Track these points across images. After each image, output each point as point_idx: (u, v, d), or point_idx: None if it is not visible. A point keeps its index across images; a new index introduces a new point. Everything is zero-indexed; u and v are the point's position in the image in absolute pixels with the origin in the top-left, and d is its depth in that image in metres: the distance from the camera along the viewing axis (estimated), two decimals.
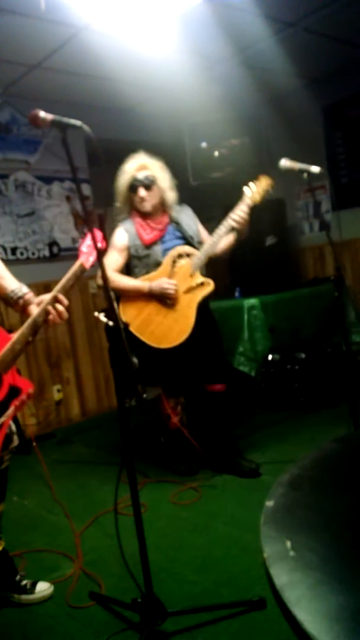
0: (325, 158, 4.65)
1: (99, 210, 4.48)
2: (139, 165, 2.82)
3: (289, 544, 0.93)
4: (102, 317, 1.71)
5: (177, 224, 2.93)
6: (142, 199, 2.82)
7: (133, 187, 2.80)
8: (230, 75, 4.17)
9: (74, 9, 2.92)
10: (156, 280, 2.81)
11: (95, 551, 2.34)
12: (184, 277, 2.83)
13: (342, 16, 3.49)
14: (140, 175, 2.78)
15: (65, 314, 1.76)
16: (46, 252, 4.39)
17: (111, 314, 1.64)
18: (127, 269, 2.95)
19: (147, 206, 2.84)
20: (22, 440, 3.82)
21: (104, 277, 1.58)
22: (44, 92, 4.11)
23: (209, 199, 4.93)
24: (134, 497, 1.68)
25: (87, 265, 1.85)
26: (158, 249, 2.89)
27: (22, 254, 4.24)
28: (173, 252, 2.85)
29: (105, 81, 4.06)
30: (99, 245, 1.65)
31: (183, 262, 2.85)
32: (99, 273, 1.62)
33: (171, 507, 2.68)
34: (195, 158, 4.85)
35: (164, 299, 2.79)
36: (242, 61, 4.01)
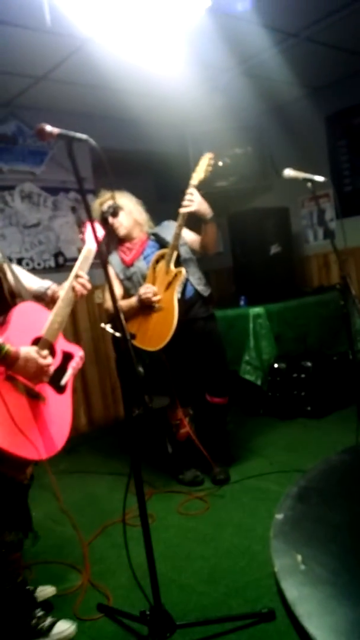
0: (329, 166, 4.66)
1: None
2: (101, 200, 2.98)
3: (299, 557, 0.92)
4: (109, 328, 1.73)
5: (155, 236, 3.06)
6: (115, 226, 2.99)
7: (104, 219, 2.92)
8: (233, 84, 4.19)
9: (78, 22, 2.95)
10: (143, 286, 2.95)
11: (103, 562, 2.34)
12: (162, 276, 2.93)
13: (345, 25, 3.51)
14: (105, 207, 2.90)
15: (89, 285, 2.01)
16: (52, 263, 4.41)
17: (118, 324, 1.66)
18: (128, 295, 3.06)
19: (122, 230, 3.02)
20: None
21: (107, 276, 1.62)
22: (50, 103, 4.15)
23: (213, 208, 4.94)
24: (142, 508, 1.68)
25: (94, 249, 2.09)
26: (142, 264, 3.04)
27: (27, 264, 4.26)
28: (152, 259, 2.99)
29: (109, 92, 4.10)
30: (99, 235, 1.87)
31: (160, 264, 2.97)
32: (106, 286, 1.66)
33: (178, 517, 2.68)
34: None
35: (151, 305, 2.89)
36: (245, 71, 4.03)
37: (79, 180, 1.67)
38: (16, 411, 1.64)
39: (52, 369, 1.78)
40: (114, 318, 1.68)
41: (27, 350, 1.68)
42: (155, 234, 3.07)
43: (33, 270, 4.28)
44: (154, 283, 2.94)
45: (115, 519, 2.67)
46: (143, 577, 1.80)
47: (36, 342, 1.78)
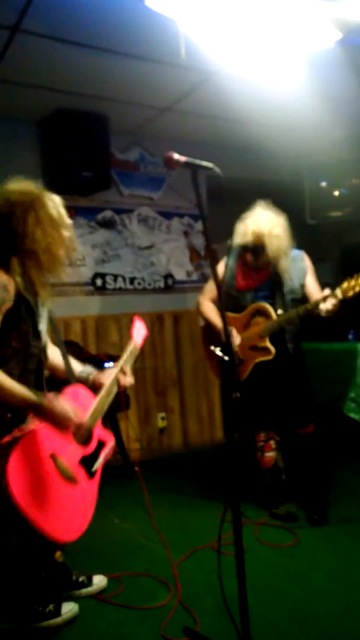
0: None
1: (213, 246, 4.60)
2: (255, 236, 2.81)
3: None
4: (218, 351, 1.75)
5: (278, 276, 2.89)
6: (251, 261, 2.91)
7: (245, 248, 2.89)
8: (357, 115, 4.13)
9: (207, 55, 3.07)
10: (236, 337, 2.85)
11: (191, 585, 2.32)
12: (254, 334, 2.85)
13: None
14: (251, 245, 2.84)
15: (129, 383, 2.13)
16: (161, 284, 4.56)
17: (227, 349, 1.68)
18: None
19: (255, 264, 2.91)
20: (126, 464, 3.94)
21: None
22: (171, 132, 4.34)
23: (325, 239, 4.86)
24: (237, 537, 1.66)
25: (138, 345, 2.24)
26: (249, 296, 2.95)
27: (139, 284, 4.44)
28: (254, 305, 2.90)
29: (230, 122, 4.20)
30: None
31: (260, 319, 2.87)
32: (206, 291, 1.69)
33: (269, 551, 2.60)
34: (313, 197, 4.82)
35: None
36: None
37: (201, 206, 1.71)
38: (51, 490, 1.73)
39: (84, 446, 1.91)
40: (224, 344, 1.69)
41: (62, 403, 1.78)
42: (278, 274, 2.87)
43: (144, 290, 4.45)
44: (243, 329, 2.88)
45: (205, 544, 2.65)
46: (232, 607, 1.76)
47: None
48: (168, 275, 4.61)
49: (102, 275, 4.31)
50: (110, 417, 3.70)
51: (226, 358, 1.69)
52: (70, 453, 1.86)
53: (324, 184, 4.82)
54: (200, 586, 2.29)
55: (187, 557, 2.57)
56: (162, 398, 4.54)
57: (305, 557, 2.51)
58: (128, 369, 2.15)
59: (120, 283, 4.36)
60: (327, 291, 2.63)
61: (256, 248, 2.83)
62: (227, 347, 1.66)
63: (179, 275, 4.65)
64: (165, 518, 3.08)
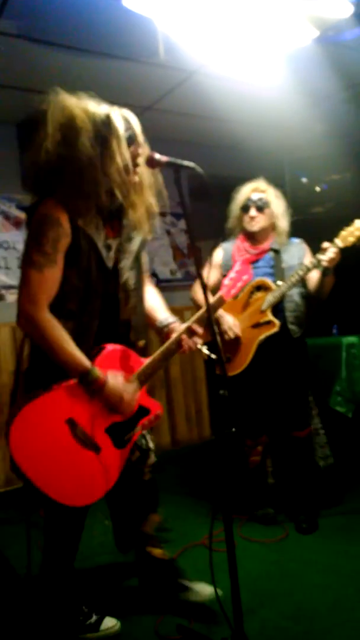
0: None
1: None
2: (255, 187, 2.85)
3: None
4: (205, 350, 1.75)
5: (276, 253, 2.85)
6: (252, 219, 2.81)
7: (246, 207, 2.82)
8: (336, 111, 4.17)
9: (187, 55, 3.08)
10: (226, 316, 2.79)
11: None
12: (255, 310, 2.76)
13: None
14: (254, 197, 2.81)
15: (197, 344, 1.85)
16: None
17: (214, 347, 1.67)
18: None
19: (255, 227, 2.81)
20: None
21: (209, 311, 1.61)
22: (152, 132, 4.30)
23: (308, 234, 4.87)
24: (228, 534, 1.66)
25: (227, 297, 1.99)
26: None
27: None
28: (253, 282, 2.78)
29: (211, 121, 4.21)
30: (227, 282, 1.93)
31: (260, 294, 2.79)
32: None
33: (260, 547, 2.62)
34: (295, 193, 4.85)
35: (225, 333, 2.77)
36: (349, 98, 3.99)
37: (184, 206, 1.72)
38: (60, 458, 1.66)
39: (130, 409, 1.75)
40: (210, 342, 1.69)
41: (115, 381, 1.70)
42: (277, 251, 2.85)
43: None
44: (243, 310, 2.80)
45: (195, 541, 2.66)
46: (224, 604, 1.77)
47: None
48: (152, 275, 4.60)
49: None
50: None
51: (213, 356, 1.67)
52: (95, 419, 1.73)
53: (304, 180, 4.84)
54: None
55: (179, 555, 2.58)
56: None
57: (297, 553, 2.53)
58: (197, 327, 1.84)
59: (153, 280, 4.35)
60: (326, 243, 2.60)
61: (260, 200, 2.80)
62: (214, 345, 1.65)
63: (163, 274, 4.65)
64: None
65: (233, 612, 1.66)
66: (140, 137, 1.82)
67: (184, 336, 1.83)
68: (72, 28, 2.80)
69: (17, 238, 4.06)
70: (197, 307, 2.89)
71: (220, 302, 2.00)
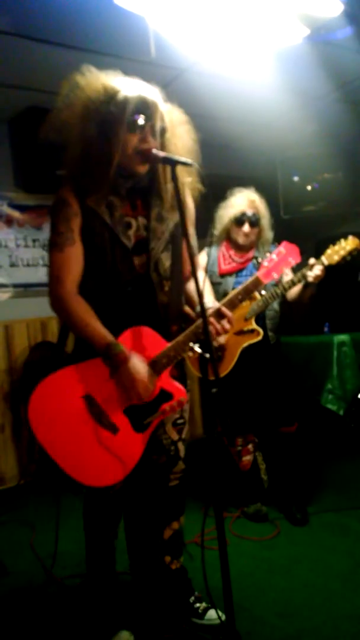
0: None
1: None
2: (250, 202, 2.88)
3: None
4: (197, 348, 1.74)
5: (258, 262, 2.91)
6: (246, 234, 2.87)
7: (240, 221, 2.86)
8: (327, 110, 4.17)
9: (177, 53, 3.07)
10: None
11: None
12: (239, 318, 2.79)
13: None
14: (249, 212, 2.86)
15: (226, 328, 1.79)
16: None
17: (207, 346, 1.65)
18: None
19: (247, 241, 2.90)
20: None
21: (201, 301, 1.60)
22: None
23: (300, 233, 4.89)
24: (220, 532, 1.66)
25: (265, 280, 1.93)
26: (231, 280, 2.93)
27: None
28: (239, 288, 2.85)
29: (203, 119, 4.18)
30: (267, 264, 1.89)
31: (244, 302, 2.81)
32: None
33: (251, 544, 2.63)
34: (287, 192, 4.86)
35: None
36: (340, 97, 4.00)
37: (180, 202, 1.69)
38: (76, 433, 1.65)
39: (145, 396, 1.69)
40: (202, 340, 1.68)
41: (136, 363, 1.65)
42: (259, 261, 2.89)
43: None
44: None
45: (188, 539, 2.66)
46: (216, 601, 1.78)
47: None
48: None
49: None
50: None
51: (207, 355, 1.65)
52: (114, 398, 1.69)
53: (296, 178, 4.86)
54: None
55: None
56: None
57: (287, 550, 2.54)
58: (226, 311, 1.79)
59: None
60: (312, 260, 2.65)
61: (254, 216, 2.85)
62: (206, 343, 1.64)
63: None
64: None
65: (225, 609, 1.66)
66: (156, 112, 1.93)
67: (212, 319, 1.77)
68: (62, 25, 2.79)
69: (9, 236, 4.04)
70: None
71: (256, 284, 1.96)
